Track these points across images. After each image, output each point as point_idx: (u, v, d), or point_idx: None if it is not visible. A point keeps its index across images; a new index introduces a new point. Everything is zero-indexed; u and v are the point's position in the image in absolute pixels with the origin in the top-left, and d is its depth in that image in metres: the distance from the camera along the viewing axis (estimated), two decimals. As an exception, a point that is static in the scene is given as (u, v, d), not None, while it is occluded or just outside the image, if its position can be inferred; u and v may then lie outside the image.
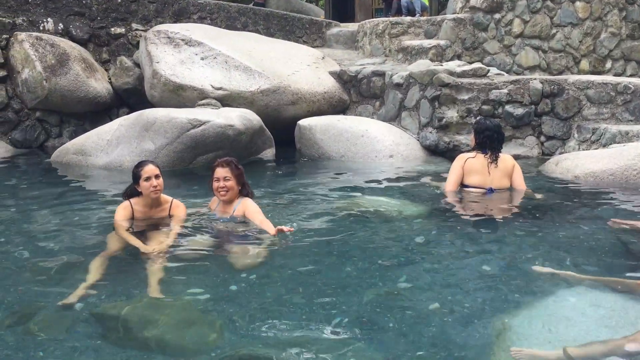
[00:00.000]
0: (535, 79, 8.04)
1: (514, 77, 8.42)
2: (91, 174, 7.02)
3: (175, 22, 10.43)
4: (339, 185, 6.30)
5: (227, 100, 8.46)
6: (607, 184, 5.90)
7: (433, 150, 8.02)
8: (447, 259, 3.89)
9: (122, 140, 7.26)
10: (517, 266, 3.69)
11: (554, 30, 10.18)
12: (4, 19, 9.14)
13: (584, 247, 4.07)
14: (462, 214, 4.99)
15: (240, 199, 4.40)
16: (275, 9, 13.08)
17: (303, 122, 8.32)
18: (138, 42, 9.88)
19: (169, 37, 9.02)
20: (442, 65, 8.72)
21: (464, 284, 3.40)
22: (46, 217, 4.93)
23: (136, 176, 4.25)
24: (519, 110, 7.83)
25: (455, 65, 8.66)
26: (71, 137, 8.73)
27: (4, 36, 9.06)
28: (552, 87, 7.83)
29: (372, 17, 15.12)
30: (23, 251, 4.01)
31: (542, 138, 7.91)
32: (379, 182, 6.50)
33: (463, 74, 8.30)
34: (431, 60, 9.37)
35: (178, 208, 4.44)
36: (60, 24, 9.64)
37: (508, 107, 7.86)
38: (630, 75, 10.42)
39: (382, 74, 9.13)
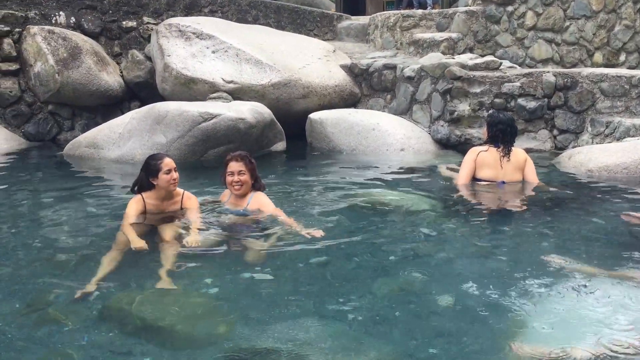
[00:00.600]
0: (548, 72, 7.98)
1: (526, 70, 8.35)
2: (103, 167, 7.06)
3: (186, 15, 10.43)
4: (350, 178, 6.29)
5: (238, 93, 8.47)
6: (621, 178, 5.86)
7: (444, 144, 7.98)
8: (459, 253, 3.88)
9: (134, 134, 7.29)
10: (530, 260, 3.67)
11: (567, 23, 10.07)
12: (16, 13, 9.19)
13: (597, 242, 4.05)
14: (474, 208, 4.97)
15: (252, 193, 4.40)
16: (286, 2, 13.05)
17: (314, 116, 8.32)
18: (149, 36, 9.89)
19: (180, 31, 9.03)
20: (454, 58, 8.66)
21: (477, 278, 3.39)
22: (59, 209, 4.96)
23: (155, 169, 4.18)
24: (532, 104, 7.78)
25: (467, 58, 8.60)
26: (83, 131, 8.77)
27: (17, 30, 9.11)
28: (566, 80, 7.76)
29: (383, 10, 15.04)
30: (37, 243, 4.05)
31: (555, 132, 7.84)
32: (390, 175, 6.49)
33: (475, 67, 8.24)
34: (443, 53, 9.30)
35: (190, 200, 4.43)
36: (72, 18, 9.67)
37: (520, 101, 7.80)
38: (645, 68, 10.30)
39: (393, 67, 9.09)
